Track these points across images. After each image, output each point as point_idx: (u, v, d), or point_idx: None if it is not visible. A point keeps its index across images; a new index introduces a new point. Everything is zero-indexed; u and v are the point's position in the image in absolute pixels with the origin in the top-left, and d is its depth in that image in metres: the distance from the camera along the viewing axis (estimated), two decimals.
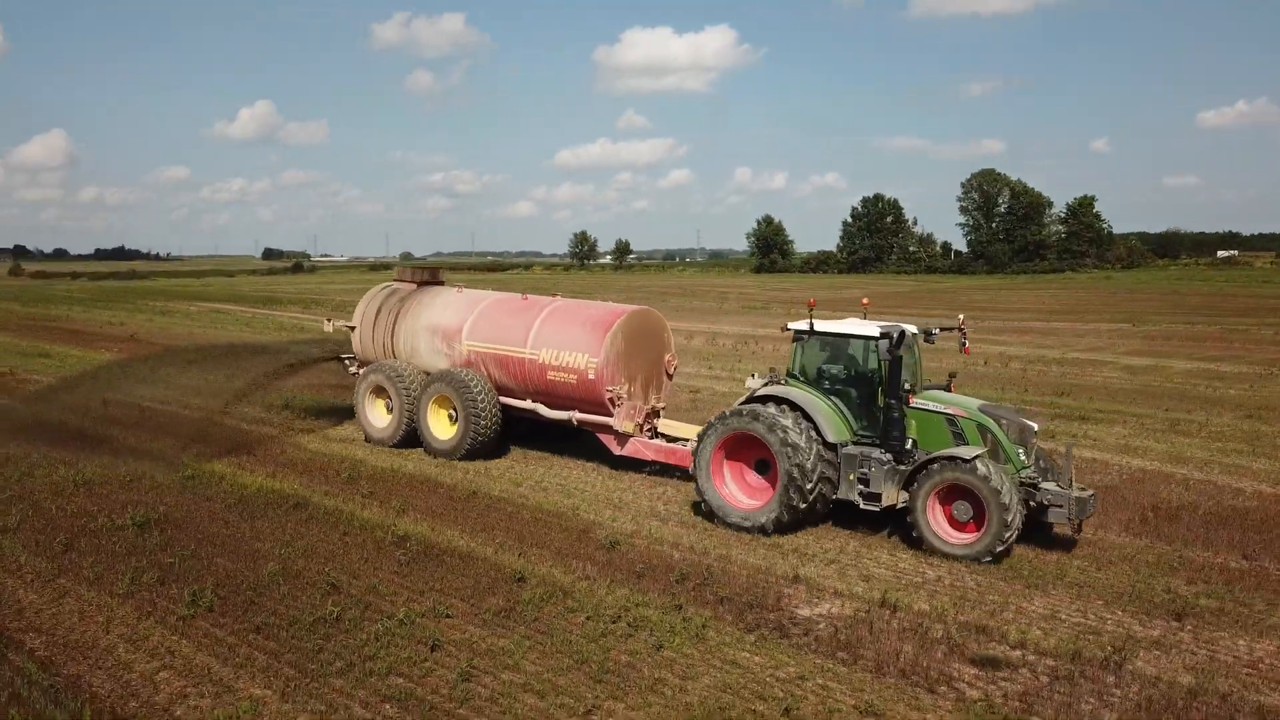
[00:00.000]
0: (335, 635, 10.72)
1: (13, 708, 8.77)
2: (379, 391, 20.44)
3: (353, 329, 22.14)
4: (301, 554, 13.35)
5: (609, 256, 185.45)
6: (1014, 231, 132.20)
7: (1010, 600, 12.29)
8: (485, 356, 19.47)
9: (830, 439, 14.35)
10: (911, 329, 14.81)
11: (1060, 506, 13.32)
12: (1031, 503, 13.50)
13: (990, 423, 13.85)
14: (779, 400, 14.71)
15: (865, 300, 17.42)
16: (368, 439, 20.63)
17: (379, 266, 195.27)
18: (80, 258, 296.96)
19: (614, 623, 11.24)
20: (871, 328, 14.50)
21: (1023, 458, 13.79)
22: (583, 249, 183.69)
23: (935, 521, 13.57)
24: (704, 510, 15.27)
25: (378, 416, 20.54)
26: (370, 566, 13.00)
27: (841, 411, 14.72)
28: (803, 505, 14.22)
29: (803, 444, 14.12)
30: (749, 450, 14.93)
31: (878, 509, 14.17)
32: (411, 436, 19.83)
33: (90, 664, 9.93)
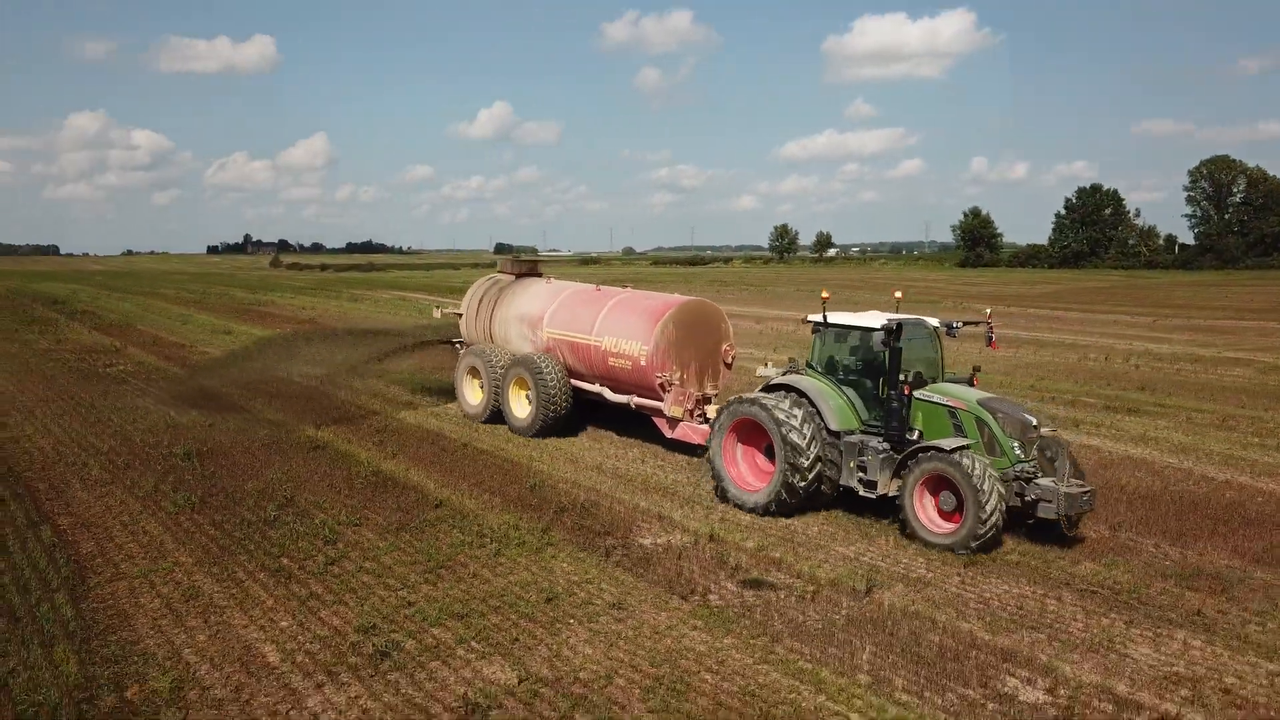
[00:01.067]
0: (264, 530, 14.38)
1: (17, 551, 13.00)
2: (473, 372, 22.76)
3: (460, 316, 24.75)
4: (288, 479, 17.19)
5: (811, 250, 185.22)
6: (1249, 223, 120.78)
7: (828, 545, 14.13)
8: (561, 343, 21.31)
9: (833, 427, 14.87)
10: (932, 322, 15.40)
11: (1049, 502, 13.29)
12: (1026, 497, 13.57)
13: (987, 416, 13.95)
14: (791, 389, 15.49)
15: (898, 293, 17.84)
16: (465, 415, 23.02)
17: (589, 261, 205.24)
18: (333, 251, 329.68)
19: (479, 537, 14.20)
20: (876, 320, 14.95)
21: (1018, 452, 13.80)
22: (783, 242, 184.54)
23: (923, 511, 13.92)
24: (717, 490, 16.31)
25: (472, 395, 22.89)
26: (330, 490, 16.64)
27: (852, 401, 15.24)
28: (800, 488, 14.86)
29: (798, 433, 14.76)
30: (761, 435, 15.57)
31: (873, 496, 14.63)
32: (498, 414, 21.88)
33: (88, 535, 14.10)
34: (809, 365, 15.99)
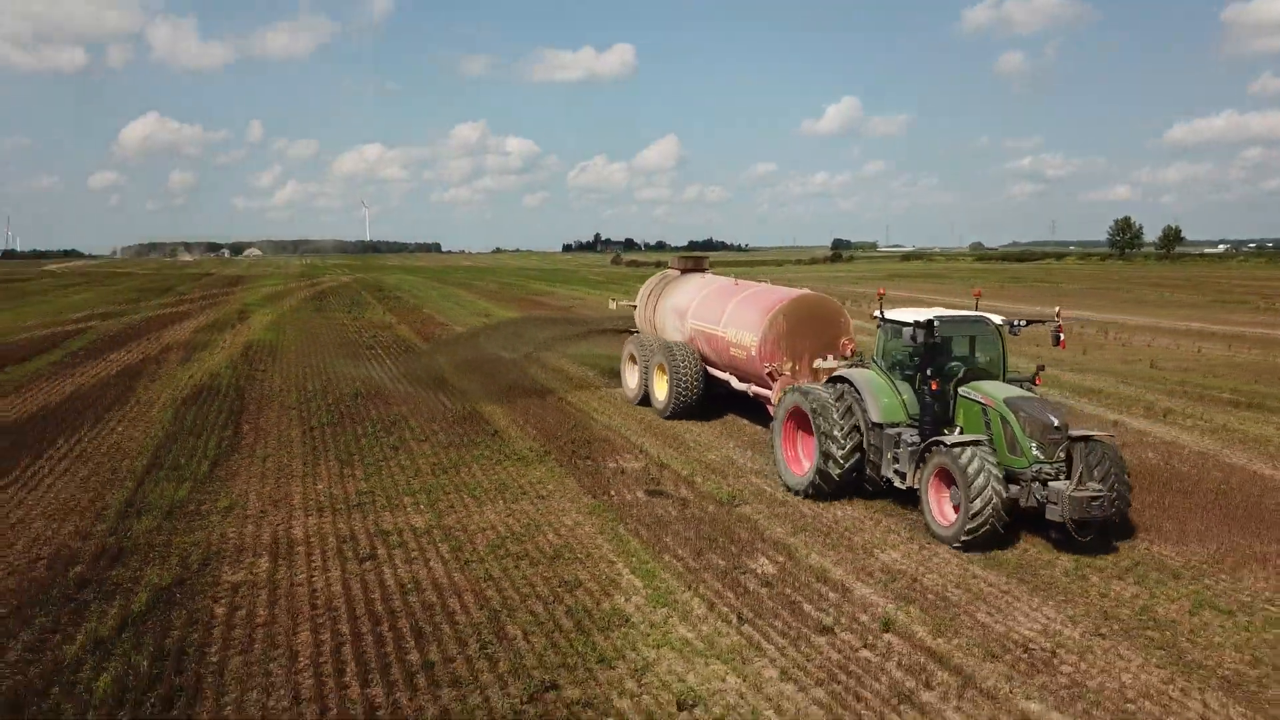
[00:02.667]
0: (359, 439, 20.65)
1: (210, 439, 20.29)
2: (631, 358, 25.41)
3: (634, 307, 27.85)
4: (414, 414, 23.47)
5: (1156, 246, 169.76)
6: None
7: (757, 483, 17.77)
8: (699, 333, 23.32)
9: (875, 419, 15.47)
10: (996, 320, 15.63)
11: (1055, 504, 13.26)
12: (1037, 498, 13.56)
13: (1010, 415, 13.87)
14: (845, 380, 16.37)
15: (977, 291, 17.98)
16: (626, 398, 25.66)
17: (911, 257, 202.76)
18: (673, 249, 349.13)
19: (498, 454, 19.47)
20: (923, 316, 15.27)
21: (1036, 452, 13.63)
22: (1124, 236, 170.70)
23: (936, 504, 14.24)
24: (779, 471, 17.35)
25: (630, 378, 25.54)
26: (429, 421, 22.70)
27: (903, 395, 15.69)
28: (834, 475, 15.72)
29: (834, 423, 15.63)
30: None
31: (904, 487, 15.16)
32: (647, 398, 24.45)
33: (253, 432, 21.20)
34: (873, 359, 16.70)
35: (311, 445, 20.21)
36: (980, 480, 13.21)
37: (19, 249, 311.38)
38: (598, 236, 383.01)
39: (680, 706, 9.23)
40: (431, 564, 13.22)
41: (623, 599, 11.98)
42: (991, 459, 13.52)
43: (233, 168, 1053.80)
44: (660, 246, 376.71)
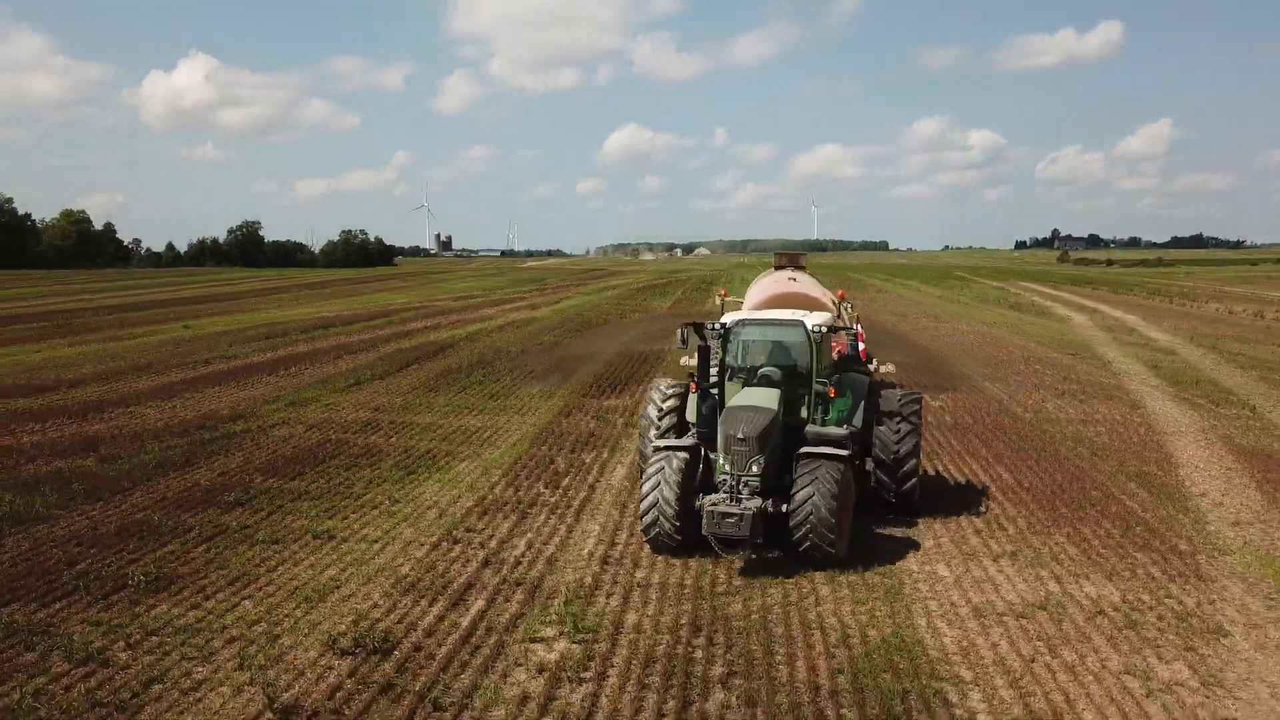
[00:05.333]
0: (467, 385, 27.84)
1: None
2: None
3: (740, 302, 34.50)
4: (516, 368, 30.29)
5: None
6: None
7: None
8: None
9: (690, 417, 15.10)
10: (812, 322, 14.24)
11: (703, 517, 12.67)
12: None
13: (720, 423, 13.26)
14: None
15: (840, 293, 18.51)
16: None
17: None
18: (1150, 245, 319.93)
19: (537, 396, 25.61)
20: (731, 318, 14.93)
21: (722, 462, 12.90)
22: None
23: None
24: None
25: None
26: (524, 370, 29.33)
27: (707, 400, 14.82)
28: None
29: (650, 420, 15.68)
30: None
31: None
32: None
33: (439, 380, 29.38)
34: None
35: (426, 385, 27.87)
36: (645, 487, 13.04)
37: (516, 249, 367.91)
38: (1055, 233, 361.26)
39: None
40: None
41: None
42: (676, 467, 12.93)
43: (697, 172, 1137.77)
44: (1134, 243, 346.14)
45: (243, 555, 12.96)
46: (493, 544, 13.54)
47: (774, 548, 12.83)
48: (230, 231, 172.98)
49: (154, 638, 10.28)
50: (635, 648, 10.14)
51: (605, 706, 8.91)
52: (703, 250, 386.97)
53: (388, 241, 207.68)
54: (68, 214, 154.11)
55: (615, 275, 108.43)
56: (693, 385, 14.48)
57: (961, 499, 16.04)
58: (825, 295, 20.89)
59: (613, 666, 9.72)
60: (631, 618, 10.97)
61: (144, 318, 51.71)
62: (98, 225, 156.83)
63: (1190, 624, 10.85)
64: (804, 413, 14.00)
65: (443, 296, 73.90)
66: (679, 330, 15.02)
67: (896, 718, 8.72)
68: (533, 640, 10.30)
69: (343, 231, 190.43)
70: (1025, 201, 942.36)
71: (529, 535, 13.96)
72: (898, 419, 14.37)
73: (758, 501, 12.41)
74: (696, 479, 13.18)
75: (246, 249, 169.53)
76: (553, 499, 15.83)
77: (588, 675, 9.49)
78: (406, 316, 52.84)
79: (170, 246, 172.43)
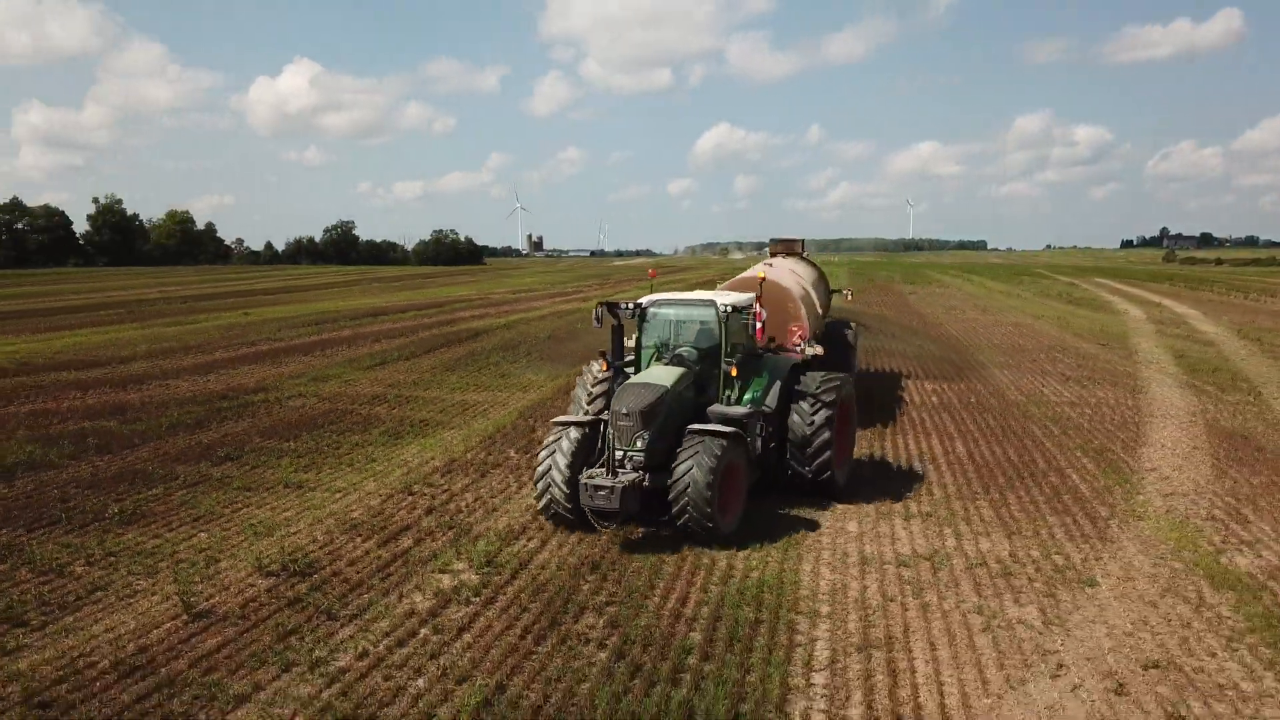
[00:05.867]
0: (490, 367, 29.21)
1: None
2: None
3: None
4: (534, 351, 31.53)
5: None
6: None
7: None
8: None
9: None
10: (725, 302, 14.55)
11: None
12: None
13: (612, 401, 13.52)
14: None
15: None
16: None
17: None
18: (1273, 244, 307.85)
19: (521, 364, 26.86)
20: (648, 299, 15.20)
21: (613, 437, 13.10)
22: None
23: None
24: None
25: None
26: (540, 357, 30.56)
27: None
28: None
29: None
30: None
31: None
32: None
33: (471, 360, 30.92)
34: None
35: (445, 367, 29.33)
36: (539, 460, 13.38)
37: (606, 249, 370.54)
38: (1164, 231, 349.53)
39: None
40: None
41: None
42: (571, 439, 13.21)
43: (791, 171, 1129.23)
44: (1250, 242, 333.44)
45: (214, 499, 14.42)
46: (443, 496, 14.74)
47: (654, 522, 12.94)
48: (326, 231, 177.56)
49: (111, 558, 11.73)
50: (531, 579, 11.21)
51: (480, 623, 10.00)
52: None
53: (481, 242, 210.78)
54: (172, 214, 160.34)
55: (689, 271, 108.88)
56: (603, 364, 15.06)
57: (903, 469, 16.72)
58: (797, 282, 21.63)
59: (504, 594, 10.80)
60: (541, 558, 12.02)
61: (211, 306, 54.57)
62: (201, 225, 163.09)
63: (1064, 575, 11.47)
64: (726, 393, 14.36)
65: (501, 290, 75.78)
66: (595, 309, 15.49)
67: (737, 640, 9.60)
68: (441, 571, 11.45)
69: (434, 231, 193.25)
70: (1135, 199, 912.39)
71: (481, 491, 15.12)
72: (812, 400, 14.51)
73: (633, 475, 12.69)
74: (594, 454, 13.38)
75: (341, 248, 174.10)
76: (518, 462, 16.96)
77: (476, 599, 10.59)
78: (458, 307, 54.64)
79: (269, 245, 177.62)
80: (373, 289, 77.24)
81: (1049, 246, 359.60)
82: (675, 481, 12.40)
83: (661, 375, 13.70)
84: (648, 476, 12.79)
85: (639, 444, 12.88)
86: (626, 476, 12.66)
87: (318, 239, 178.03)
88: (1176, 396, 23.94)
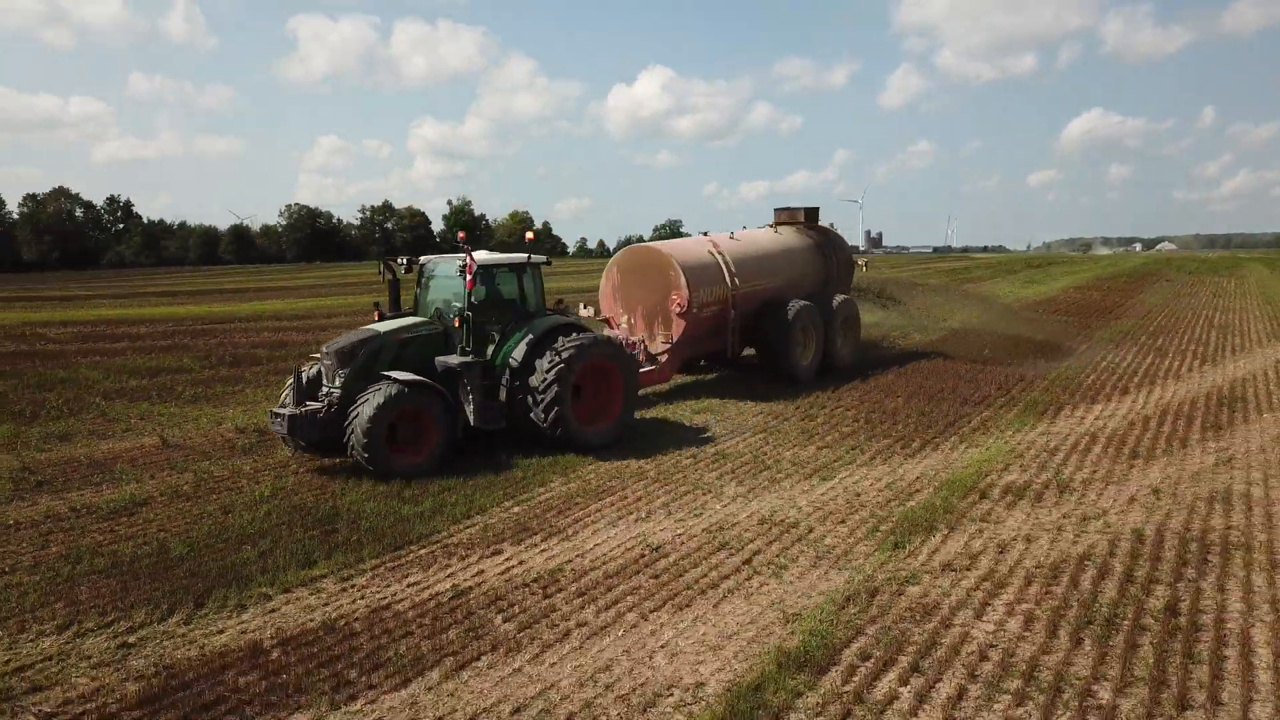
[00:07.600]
0: None
1: None
2: None
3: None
4: None
5: None
6: None
7: None
8: None
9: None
10: (483, 259, 15.53)
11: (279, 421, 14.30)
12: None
13: None
14: None
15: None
16: None
17: None
18: None
19: None
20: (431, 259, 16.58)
21: (328, 377, 14.76)
22: None
23: None
24: None
25: None
26: None
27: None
28: None
29: None
30: None
31: None
32: None
33: None
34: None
35: None
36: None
37: (954, 245, 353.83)
38: None
39: None
40: None
41: None
42: (292, 383, 14.55)
43: (1175, 159, 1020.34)
44: None
45: (166, 411, 18.55)
46: None
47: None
48: (656, 229, 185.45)
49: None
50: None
51: None
52: (1168, 245, 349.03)
53: None
54: (514, 214, 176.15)
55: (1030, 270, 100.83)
56: (376, 315, 16.10)
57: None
58: (707, 251, 20.99)
59: None
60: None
61: None
62: (558, 227, 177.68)
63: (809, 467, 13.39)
64: (488, 349, 15.49)
65: None
66: (379, 264, 17.09)
67: None
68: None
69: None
70: None
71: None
72: (551, 355, 15.17)
73: (317, 406, 14.15)
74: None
75: None
76: None
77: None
78: None
79: (601, 244, 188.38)
80: None
81: None
82: (348, 420, 13.82)
83: (383, 326, 15.18)
84: (330, 408, 14.27)
85: (337, 381, 14.36)
86: (300, 409, 14.12)
87: (645, 237, 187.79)
88: (1241, 367, 22.52)
